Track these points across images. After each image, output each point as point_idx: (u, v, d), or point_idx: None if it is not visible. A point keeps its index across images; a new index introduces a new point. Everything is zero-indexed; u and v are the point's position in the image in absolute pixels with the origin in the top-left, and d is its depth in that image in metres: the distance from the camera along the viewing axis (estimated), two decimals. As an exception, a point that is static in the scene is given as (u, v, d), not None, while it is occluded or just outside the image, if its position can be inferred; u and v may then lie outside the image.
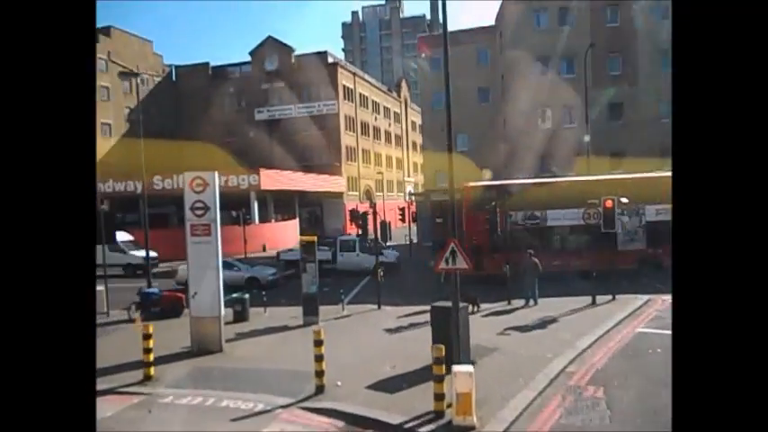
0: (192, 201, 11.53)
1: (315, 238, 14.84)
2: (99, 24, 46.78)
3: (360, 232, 29.24)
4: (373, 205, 16.74)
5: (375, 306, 16.40)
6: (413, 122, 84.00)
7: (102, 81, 45.71)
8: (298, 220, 46.58)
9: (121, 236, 28.52)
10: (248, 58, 57.11)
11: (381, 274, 16.49)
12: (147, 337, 9.84)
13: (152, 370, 9.93)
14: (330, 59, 58.71)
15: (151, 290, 15.74)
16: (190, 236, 11.58)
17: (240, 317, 14.88)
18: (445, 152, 9.06)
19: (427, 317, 15.00)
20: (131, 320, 15.29)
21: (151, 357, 9.91)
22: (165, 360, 11.06)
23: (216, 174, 11.62)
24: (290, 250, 28.50)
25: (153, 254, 28.93)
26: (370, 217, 16.69)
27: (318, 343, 9.11)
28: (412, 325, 14.04)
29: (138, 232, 34.72)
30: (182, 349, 11.96)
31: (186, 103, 56.07)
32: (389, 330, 13.59)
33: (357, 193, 59.27)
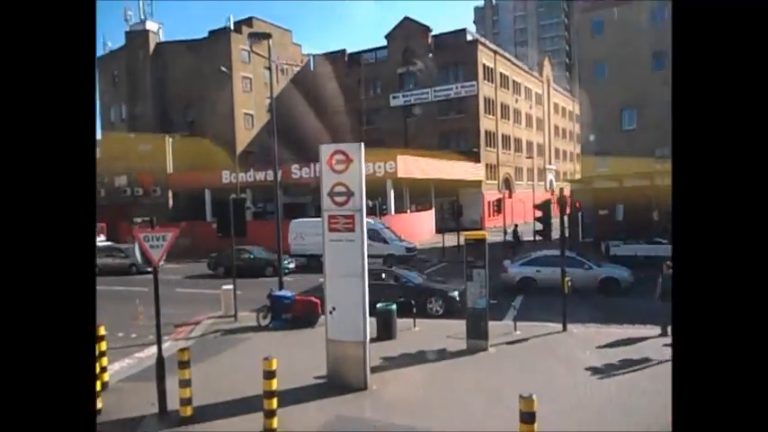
0: (330, 183, 8.47)
1: (484, 236, 11.11)
2: (241, 17, 47.72)
3: (515, 224, 24.91)
4: (560, 191, 12.65)
5: (558, 325, 12.30)
6: (555, 104, 76.56)
7: (244, 72, 46.44)
8: (433, 210, 43.46)
9: (374, 223, 26.45)
10: (384, 43, 55.08)
11: (569, 283, 12.30)
12: (269, 375, 6.94)
13: (274, 421, 7.02)
14: (469, 37, 54.53)
15: (282, 293, 13.29)
16: (327, 231, 8.55)
17: (385, 333, 11.77)
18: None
19: (644, 348, 10.68)
20: (260, 328, 12.97)
21: (274, 404, 7.00)
22: (293, 397, 8.20)
23: (362, 145, 8.44)
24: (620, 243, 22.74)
25: (410, 244, 27.09)
26: (555, 206, 12.56)
27: (528, 419, 5.41)
28: (627, 363, 9.75)
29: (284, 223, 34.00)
30: (315, 380, 9.07)
31: (323, 92, 55.64)
32: (596, 371, 9.44)
33: (496, 182, 54.65)
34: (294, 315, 12.89)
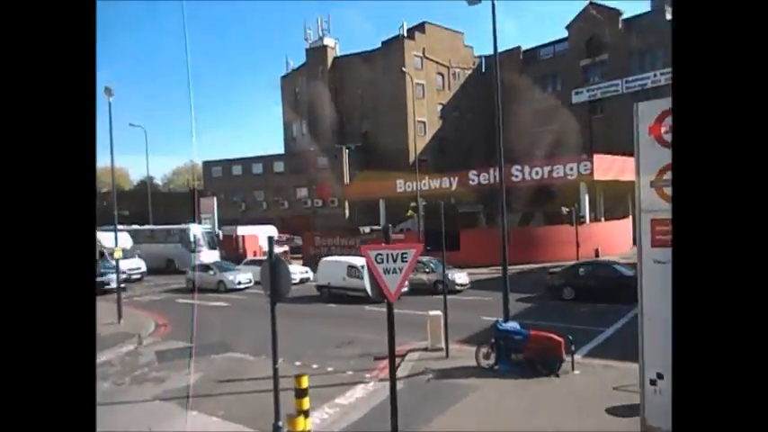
0: (657, 165, 5.07)
1: None
2: (414, 22, 46.52)
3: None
4: None
5: None
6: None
7: (417, 79, 45.05)
8: (631, 219, 37.02)
9: None
10: (564, 34, 49.77)
11: None
12: None
13: None
14: (668, 16, 46.54)
15: (512, 326, 10.09)
16: (649, 245, 5.15)
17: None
18: None
19: None
20: (483, 371, 9.90)
21: None
22: None
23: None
24: None
25: None
26: None
27: None
28: None
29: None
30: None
31: (496, 93, 52.18)
32: None
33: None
34: (527, 357, 9.62)
